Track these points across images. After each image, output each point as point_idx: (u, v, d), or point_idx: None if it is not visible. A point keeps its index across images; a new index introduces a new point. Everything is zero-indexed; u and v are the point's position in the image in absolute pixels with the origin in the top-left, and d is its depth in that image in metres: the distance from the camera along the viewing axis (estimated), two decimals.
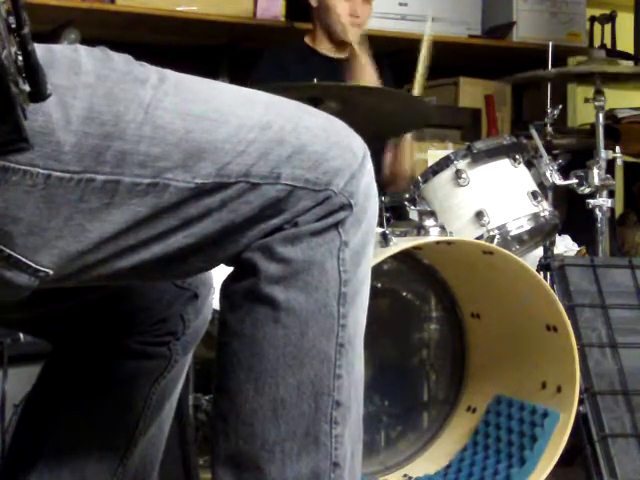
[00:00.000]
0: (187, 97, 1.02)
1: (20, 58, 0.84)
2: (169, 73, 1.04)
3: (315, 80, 2.42)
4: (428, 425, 2.42)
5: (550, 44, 3.01)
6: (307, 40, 3.38)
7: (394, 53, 3.91)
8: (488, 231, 2.41)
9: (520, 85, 4.26)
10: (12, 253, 0.96)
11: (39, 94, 0.87)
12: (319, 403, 1.07)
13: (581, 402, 2.19)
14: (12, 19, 0.83)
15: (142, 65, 1.03)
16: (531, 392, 2.26)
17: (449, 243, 2.19)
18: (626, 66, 3.93)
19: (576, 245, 3.03)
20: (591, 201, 2.66)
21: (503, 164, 2.50)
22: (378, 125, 2.63)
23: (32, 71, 0.85)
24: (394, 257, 2.21)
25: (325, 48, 3.34)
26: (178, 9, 3.62)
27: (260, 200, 1.04)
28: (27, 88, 0.85)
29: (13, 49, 0.83)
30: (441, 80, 4.17)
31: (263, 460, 1.06)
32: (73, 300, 1.25)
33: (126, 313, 1.29)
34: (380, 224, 2.23)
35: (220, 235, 1.04)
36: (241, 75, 3.35)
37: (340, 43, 3.30)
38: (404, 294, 2.46)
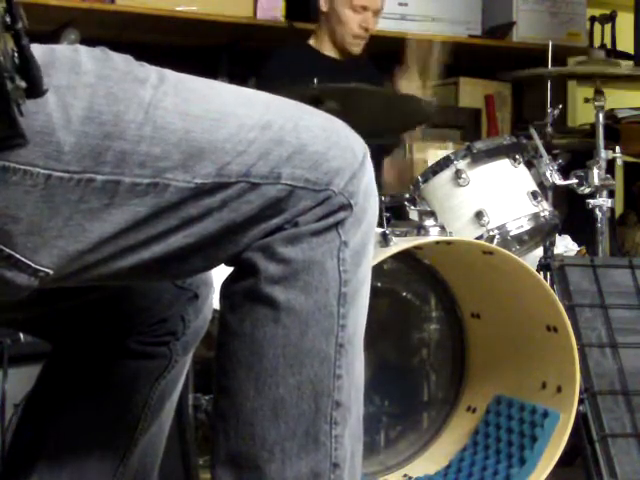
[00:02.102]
0: (187, 97, 1.02)
1: (16, 55, 0.84)
2: (169, 73, 1.04)
3: (315, 80, 2.42)
4: (428, 425, 2.42)
5: (550, 44, 3.01)
6: (312, 42, 3.41)
7: (394, 53, 3.91)
8: (488, 231, 2.41)
9: (520, 84, 4.26)
10: (12, 253, 0.96)
11: (35, 90, 0.87)
12: (319, 403, 1.06)
13: (581, 402, 2.19)
14: (8, 17, 0.84)
15: (142, 65, 1.03)
16: (531, 392, 2.26)
17: (449, 243, 2.19)
18: (626, 66, 3.93)
19: (576, 245, 3.03)
20: (591, 201, 2.66)
21: (503, 164, 2.50)
22: (378, 125, 2.63)
23: (27, 66, 0.85)
24: (394, 257, 2.21)
25: (329, 50, 3.38)
26: (178, 9, 3.62)
27: (260, 200, 1.03)
28: (23, 84, 0.85)
29: (10, 46, 0.83)
30: (441, 80, 4.18)
31: (263, 460, 1.06)
32: (74, 300, 1.25)
33: (126, 313, 1.29)
34: (380, 224, 2.23)
35: (220, 235, 1.04)
36: (241, 75, 3.36)
37: (341, 50, 3.35)
38: (404, 294, 2.46)
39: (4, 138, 0.87)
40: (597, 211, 2.66)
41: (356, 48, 3.33)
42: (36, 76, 0.86)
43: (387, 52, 3.71)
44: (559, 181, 2.60)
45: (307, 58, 3.33)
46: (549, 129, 2.81)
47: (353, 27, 3.29)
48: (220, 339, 1.10)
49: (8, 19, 0.83)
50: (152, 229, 1.01)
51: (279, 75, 3.17)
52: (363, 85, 2.49)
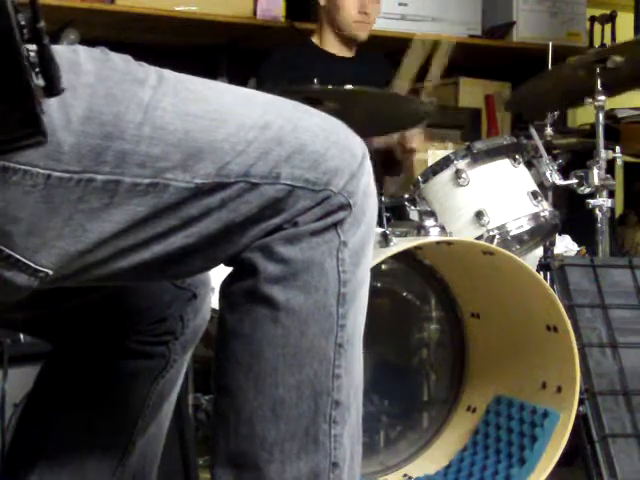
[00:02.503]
0: (186, 97, 1.02)
1: (32, 54, 0.84)
2: (168, 73, 1.04)
3: (315, 80, 2.43)
4: (428, 425, 2.42)
5: (550, 44, 3.01)
6: (314, 39, 3.41)
7: (394, 53, 3.91)
8: (488, 231, 2.41)
9: (520, 84, 4.26)
10: (12, 253, 0.96)
11: (53, 88, 0.87)
12: (318, 403, 1.07)
13: (581, 402, 2.19)
14: (21, 16, 0.84)
15: (141, 65, 1.03)
16: (531, 392, 2.26)
17: (449, 243, 2.19)
18: None
19: (576, 245, 3.03)
20: (591, 201, 2.65)
21: (503, 164, 2.50)
22: (377, 125, 2.63)
23: (47, 65, 0.85)
24: (394, 257, 2.21)
25: (332, 47, 3.37)
26: (177, 9, 3.62)
27: (260, 200, 1.04)
28: (41, 83, 0.86)
29: (28, 45, 0.84)
30: (441, 80, 4.17)
31: (262, 460, 1.06)
32: (73, 300, 1.25)
33: (126, 313, 1.30)
34: (380, 224, 2.23)
35: (220, 235, 1.04)
36: (241, 75, 3.36)
37: (348, 41, 3.34)
38: (404, 294, 2.45)
39: (25, 136, 0.87)
40: (597, 211, 2.65)
41: (361, 33, 3.32)
42: (55, 75, 0.86)
43: (387, 52, 3.71)
44: (559, 181, 2.60)
45: (308, 54, 3.33)
46: (549, 129, 2.81)
47: (352, 12, 3.29)
48: (219, 339, 1.10)
49: (22, 19, 0.83)
50: (152, 229, 1.01)
51: (279, 73, 3.17)
52: (360, 87, 2.48)
